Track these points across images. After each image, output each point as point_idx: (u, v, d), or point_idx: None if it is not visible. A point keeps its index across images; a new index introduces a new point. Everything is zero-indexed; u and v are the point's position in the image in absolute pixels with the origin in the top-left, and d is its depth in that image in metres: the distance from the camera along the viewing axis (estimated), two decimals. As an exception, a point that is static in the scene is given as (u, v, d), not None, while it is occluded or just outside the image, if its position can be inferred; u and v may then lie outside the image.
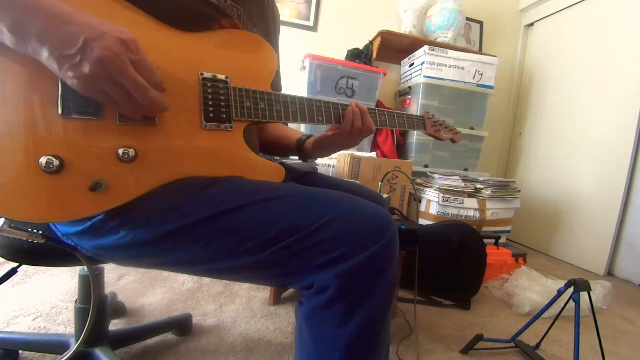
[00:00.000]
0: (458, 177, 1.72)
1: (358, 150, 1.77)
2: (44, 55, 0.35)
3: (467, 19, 2.27)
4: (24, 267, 0.98)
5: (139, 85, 0.38)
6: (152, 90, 0.40)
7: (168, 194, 0.44)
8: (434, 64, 1.85)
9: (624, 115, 1.78)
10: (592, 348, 0.96)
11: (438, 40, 2.04)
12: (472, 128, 1.99)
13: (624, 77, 1.80)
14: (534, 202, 2.24)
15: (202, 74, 0.49)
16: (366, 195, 0.68)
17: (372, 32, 2.04)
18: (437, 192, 1.61)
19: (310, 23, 2.08)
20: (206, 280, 1.25)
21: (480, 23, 2.39)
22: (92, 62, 0.35)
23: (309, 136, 0.74)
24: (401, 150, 2.03)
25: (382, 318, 0.43)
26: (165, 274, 1.27)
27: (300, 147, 0.74)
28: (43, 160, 0.37)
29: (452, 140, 0.88)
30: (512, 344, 0.97)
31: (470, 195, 1.67)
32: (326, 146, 0.71)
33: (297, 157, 0.77)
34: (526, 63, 2.50)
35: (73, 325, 0.84)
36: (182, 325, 0.92)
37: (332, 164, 1.61)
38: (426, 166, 1.93)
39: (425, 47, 1.84)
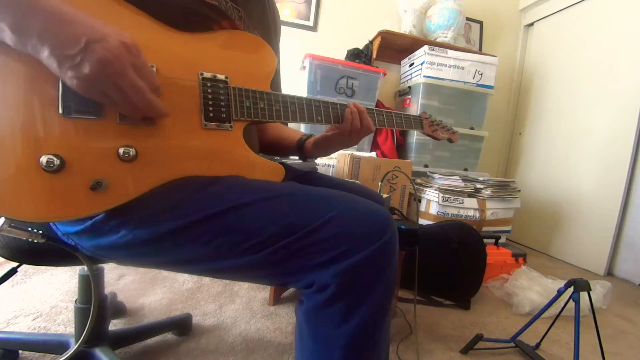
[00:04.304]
0: (458, 177, 1.72)
1: (358, 150, 1.77)
2: (45, 54, 0.35)
3: (467, 19, 2.27)
4: (24, 267, 0.98)
5: (138, 89, 0.38)
6: (150, 94, 0.40)
7: (168, 193, 0.44)
8: (434, 64, 1.85)
9: (624, 116, 1.78)
10: (592, 348, 0.96)
11: (438, 40, 2.04)
12: (472, 128, 1.99)
13: (624, 77, 1.80)
14: (534, 202, 2.24)
15: (202, 74, 0.49)
16: (366, 195, 0.68)
17: (372, 32, 2.04)
18: (437, 192, 1.61)
19: (310, 23, 2.08)
20: (206, 280, 1.25)
21: (480, 23, 2.39)
22: (93, 63, 0.35)
23: (309, 136, 0.74)
24: (401, 150, 2.03)
25: (382, 317, 0.43)
26: (165, 273, 1.27)
27: (300, 147, 0.74)
28: (44, 159, 0.37)
29: (450, 140, 0.89)
30: (512, 344, 0.97)
31: (470, 195, 1.67)
32: (326, 146, 0.71)
33: (297, 157, 0.77)
34: (526, 63, 2.50)
35: (73, 325, 0.84)
36: (182, 325, 0.92)
37: (332, 164, 1.61)
38: (426, 166, 1.93)
39: (425, 47, 1.84)
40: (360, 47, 2.04)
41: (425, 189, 1.69)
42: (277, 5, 0.77)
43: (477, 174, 1.95)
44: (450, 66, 1.87)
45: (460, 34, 2.17)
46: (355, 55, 2.00)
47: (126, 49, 0.37)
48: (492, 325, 1.14)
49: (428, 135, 0.84)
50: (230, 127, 0.51)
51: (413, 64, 1.98)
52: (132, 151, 0.42)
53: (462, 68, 1.89)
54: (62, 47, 0.35)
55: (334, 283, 0.40)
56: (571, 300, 0.82)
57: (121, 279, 1.22)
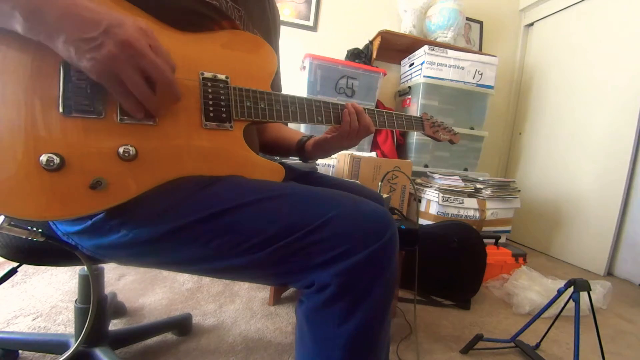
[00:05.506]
0: (458, 177, 1.73)
1: (358, 150, 1.77)
2: (60, 39, 0.36)
3: (467, 19, 2.27)
4: (24, 267, 0.98)
5: (158, 66, 0.39)
6: (170, 72, 0.41)
7: (168, 193, 0.44)
8: (434, 64, 1.85)
9: (624, 115, 1.78)
10: (592, 348, 0.96)
11: (438, 40, 2.05)
12: (472, 128, 1.99)
13: (624, 77, 1.80)
14: (534, 202, 2.24)
15: (202, 74, 0.49)
16: (366, 195, 0.68)
17: (372, 32, 2.04)
18: (437, 192, 1.61)
19: (310, 23, 2.08)
20: (206, 280, 1.25)
21: (480, 23, 2.39)
22: (114, 44, 0.36)
23: (309, 137, 0.74)
24: (401, 150, 2.03)
25: (382, 317, 0.43)
26: (165, 273, 1.27)
27: (301, 148, 0.74)
28: (44, 158, 0.37)
29: (451, 142, 0.89)
30: (512, 344, 0.97)
31: (470, 195, 1.67)
32: (326, 148, 0.71)
33: (297, 158, 0.77)
34: (526, 63, 2.50)
35: (73, 325, 0.83)
36: (182, 325, 0.92)
37: (332, 164, 1.61)
38: (426, 166, 1.93)
39: (425, 47, 1.84)
40: (360, 47, 2.04)
41: (425, 189, 1.69)
42: (277, 5, 0.77)
43: (477, 174, 1.95)
44: (450, 66, 1.87)
45: (460, 34, 2.17)
46: (355, 55, 2.00)
47: (144, 32, 0.39)
48: (492, 325, 1.14)
49: (429, 136, 0.84)
50: (231, 127, 0.50)
51: (413, 64, 1.98)
52: (132, 150, 0.41)
53: (462, 68, 1.89)
54: (82, 30, 0.35)
55: (334, 283, 0.40)
56: (571, 300, 0.82)
57: (121, 279, 1.22)
